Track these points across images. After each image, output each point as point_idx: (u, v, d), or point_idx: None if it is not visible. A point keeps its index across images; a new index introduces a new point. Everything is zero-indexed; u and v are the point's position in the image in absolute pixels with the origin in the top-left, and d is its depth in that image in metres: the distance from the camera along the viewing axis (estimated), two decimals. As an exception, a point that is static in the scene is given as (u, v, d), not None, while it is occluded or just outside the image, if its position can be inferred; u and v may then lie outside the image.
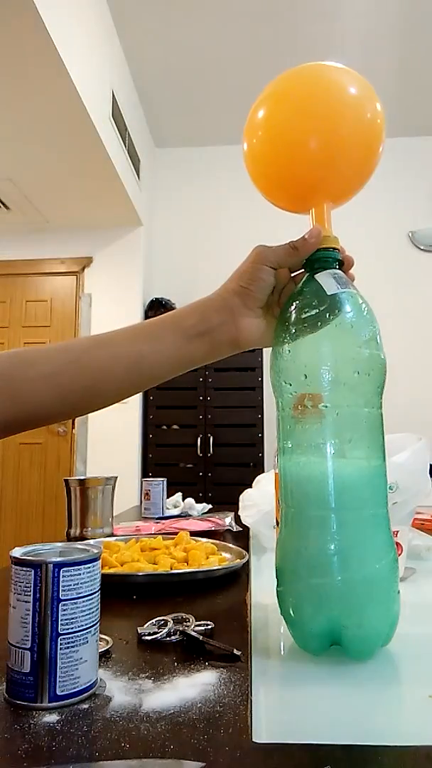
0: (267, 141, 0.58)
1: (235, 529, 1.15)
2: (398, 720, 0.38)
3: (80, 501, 1.01)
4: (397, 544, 0.66)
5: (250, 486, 1.03)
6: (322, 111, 0.55)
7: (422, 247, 4.07)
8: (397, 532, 0.69)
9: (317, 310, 0.49)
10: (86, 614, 0.40)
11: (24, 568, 0.39)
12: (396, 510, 0.66)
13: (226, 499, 1.54)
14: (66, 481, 1.03)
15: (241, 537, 1.08)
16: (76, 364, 0.54)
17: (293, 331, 0.50)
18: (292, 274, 0.57)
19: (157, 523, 1.22)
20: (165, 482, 1.43)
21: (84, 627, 0.39)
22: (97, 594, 0.41)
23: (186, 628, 0.50)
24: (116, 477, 1.06)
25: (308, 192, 0.57)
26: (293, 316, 0.51)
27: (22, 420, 0.54)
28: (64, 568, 0.39)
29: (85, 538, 0.99)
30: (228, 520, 1.19)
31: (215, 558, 0.78)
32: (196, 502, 1.53)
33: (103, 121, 2.95)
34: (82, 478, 1.05)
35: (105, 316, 3.83)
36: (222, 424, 3.64)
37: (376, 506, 0.47)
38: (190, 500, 1.52)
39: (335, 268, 0.53)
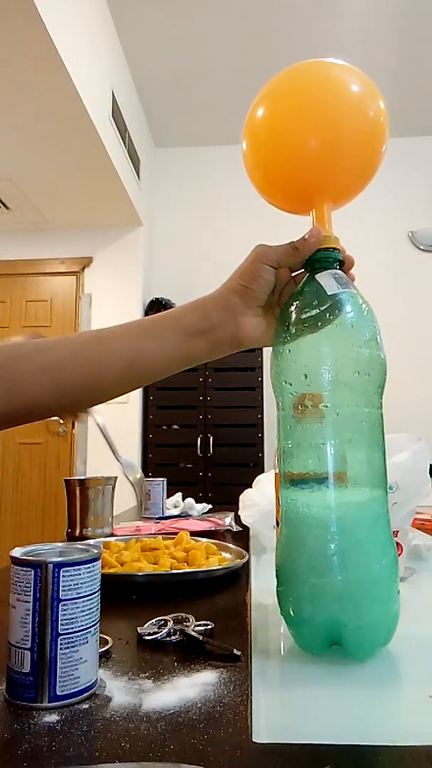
0: (266, 140, 0.57)
1: (235, 529, 1.15)
2: (398, 720, 0.38)
3: (80, 501, 1.01)
4: (397, 544, 0.66)
5: (250, 486, 1.03)
6: (323, 109, 0.54)
7: (422, 247, 4.08)
8: (397, 532, 0.69)
9: (318, 310, 0.49)
10: (86, 614, 0.40)
11: (24, 568, 0.39)
12: (396, 510, 0.66)
13: (226, 499, 1.54)
14: (66, 481, 1.04)
15: (241, 537, 1.08)
16: (74, 357, 0.54)
17: (293, 331, 0.50)
18: (293, 274, 0.56)
19: (157, 523, 1.22)
20: (165, 482, 1.43)
21: (84, 627, 0.39)
22: (97, 594, 0.41)
23: (186, 628, 0.50)
24: (116, 477, 1.06)
25: (308, 193, 0.56)
26: (294, 315, 0.51)
27: (20, 413, 0.54)
28: (64, 568, 0.39)
29: (86, 538, 0.99)
30: (228, 520, 1.19)
31: (215, 558, 0.78)
32: (196, 502, 1.53)
33: (103, 121, 2.95)
34: (83, 478, 1.05)
35: (105, 316, 3.83)
36: (222, 424, 3.64)
37: (376, 506, 0.47)
38: (190, 500, 1.52)
39: (336, 268, 0.53)
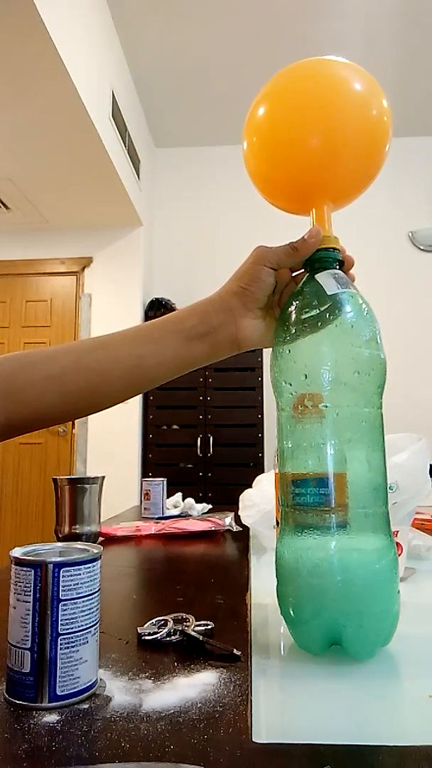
0: (266, 139, 0.57)
1: (235, 529, 1.15)
2: (398, 720, 0.38)
3: (68, 499, 1.01)
4: (397, 544, 0.66)
5: (250, 486, 1.03)
6: (324, 107, 0.53)
7: (422, 247, 4.08)
8: (397, 532, 0.69)
9: (317, 311, 0.49)
10: (86, 614, 0.40)
11: (24, 568, 0.39)
12: (396, 510, 0.66)
13: (226, 499, 1.54)
14: (54, 479, 1.04)
15: (241, 537, 1.08)
16: (77, 366, 0.54)
17: (293, 331, 0.50)
18: (293, 275, 0.56)
19: (157, 523, 1.22)
20: (165, 482, 1.43)
21: (84, 627, 0.39)
22: (97, 594, 0.41)
23: (186, 628, 0.50)
24: (103, 476, 1.06)
25: (308, 192, 0.56)
26: (293, 316, 0.51)
27: (26, 421, 0.54)
28: (64, 568, 0.39)
29: (74, 536, 0.99)
30: (228, 520, 1.19)
31: None
32: (196, 502, 1.53)
33: (103, 121, 2.95)
34: (70, 477, 1.05)
35: (105, 316, 3.83)
36: (222, 424, 3.64)
37: (376, 506, 0.47)
38: (190, 500, 1.52)
39: (335, 268, 0.53)
